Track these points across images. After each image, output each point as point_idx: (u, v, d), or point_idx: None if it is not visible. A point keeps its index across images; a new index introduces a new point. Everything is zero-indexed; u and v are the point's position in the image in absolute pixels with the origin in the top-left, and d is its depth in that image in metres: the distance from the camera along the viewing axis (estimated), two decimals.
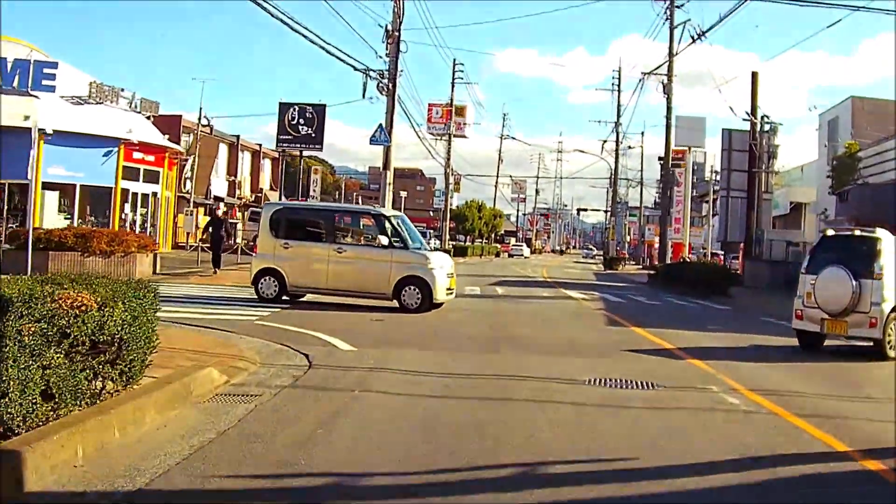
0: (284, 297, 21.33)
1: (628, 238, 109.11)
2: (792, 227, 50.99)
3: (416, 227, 77.16)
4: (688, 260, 53.35)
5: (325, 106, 51.33)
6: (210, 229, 33.37)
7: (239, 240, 45.92)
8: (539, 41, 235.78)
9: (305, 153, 52.93)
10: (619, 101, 78.29)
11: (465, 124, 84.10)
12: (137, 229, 43.75)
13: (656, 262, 67.71)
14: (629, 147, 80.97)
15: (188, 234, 50.81)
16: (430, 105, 77.25)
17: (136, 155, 43.01)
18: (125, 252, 26.77)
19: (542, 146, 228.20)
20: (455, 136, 79.72)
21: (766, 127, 41.76)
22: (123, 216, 42.89)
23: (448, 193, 72.61)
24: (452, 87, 73.54)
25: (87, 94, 41.31)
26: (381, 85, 34.27)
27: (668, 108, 48.00)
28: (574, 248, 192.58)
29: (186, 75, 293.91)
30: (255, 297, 21.14)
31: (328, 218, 22.35)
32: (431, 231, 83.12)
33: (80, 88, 41.08)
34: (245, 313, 18.31)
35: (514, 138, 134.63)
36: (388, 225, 21.21)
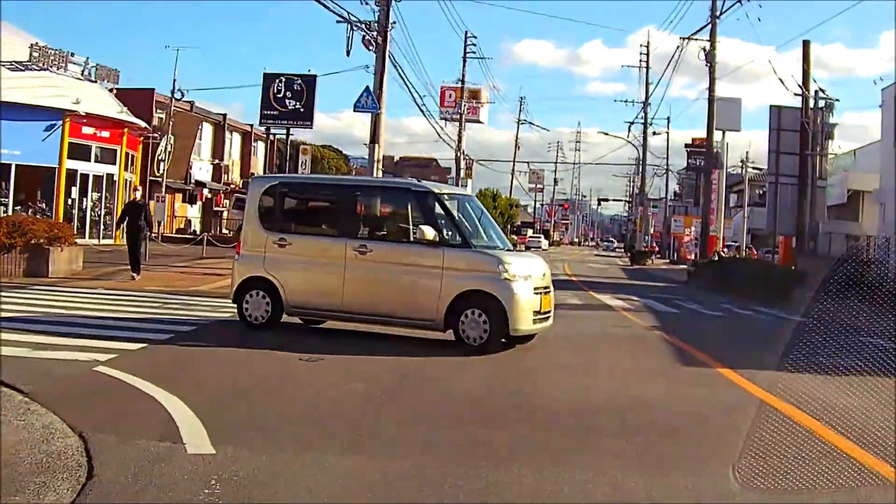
0: (301, 321, 15.42)
1: (651, 230, 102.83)
2: (849, 219, 44.07)
3: None
4: (723, 255, 48.05)
5: (315, 77, 45.70)
6: (127, 219, 23.54)
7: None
8: (554, 33, 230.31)
9: (316, 142, 47.01)
10: (647, 79, 70.85)
11: (479, 106, 78.40)
12: (88, 217, 37.99)
13: (689, 257, 61.91)
14: (654, 133, 73.74)
15: (159, 223, 45.78)
16: (442, 89, 71.55)
17: (86, 130, 37.22)
18: (26, 246, 21.60)
19: (560, 136, 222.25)
20: (468, 120, 73.87)
21: (821, 103, 35.49)
22: (70, 201, 36.75)
23: (459, 180, 65.45)
24: (464, 62, 66.65)
25: (27, 59, 35.78)
26: (367, 38, 27.71)
27: (711, 80, 41.29)
28: (592, 240, 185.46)
29: (159, 43, 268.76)
30: (227, 317, 15.20)
31: (346, 199, 15.16)
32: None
33: (20, 52, 35.39)
34: (117, 347, 11.87)
35: (531, 123, 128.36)
36: (437, 209, 14.20)
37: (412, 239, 14.10)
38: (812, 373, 4.85)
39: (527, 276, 13.63)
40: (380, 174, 29.57)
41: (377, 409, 9.19)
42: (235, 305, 14.84)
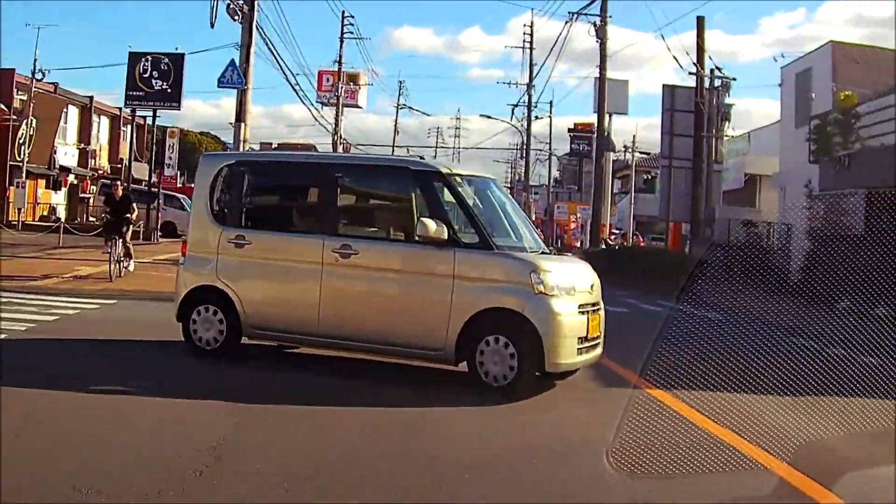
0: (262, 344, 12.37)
1: (533, 217, 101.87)
2: (746, 205, 42.73)
3: None
4: (610, 242, 46.91)
5: (183, 55, 43.08)
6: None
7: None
8: (435, 20, 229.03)
9: (196, 130, 44.50)
10: (531, 59, 67.73)
11: (358, 90, 76.08)
12: None
13: (575, 245, 60.45)
14: (536, 118, 71.87)
15: (19, 210, 43.60)
16: (320, 73, 69.46)
17: None
18: None
19: (440, 122, 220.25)
20: (347, 105, 71.45)
21: (717, 83, 34.67)
22: None
23: None
24: (341, 42, 63.54)
25: None
26: (233, 7, 25.18)
27: (602, 56, 39.31)
28: None
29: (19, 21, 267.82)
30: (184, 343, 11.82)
31: (325, 183, 11.82)
32: None
33: None
34: None
35: (411, 108, 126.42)
36: (446, 195, 11.03)
37: (413, 237, 10.85)
38: (682, 358, 4.84)
39: (570, 290, 10.22)
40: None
41: None
42: (180, 324, 11.70)
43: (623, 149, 64.78)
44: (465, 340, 10.15)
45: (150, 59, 42.05)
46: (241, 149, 25.94)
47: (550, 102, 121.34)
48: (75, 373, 10.14)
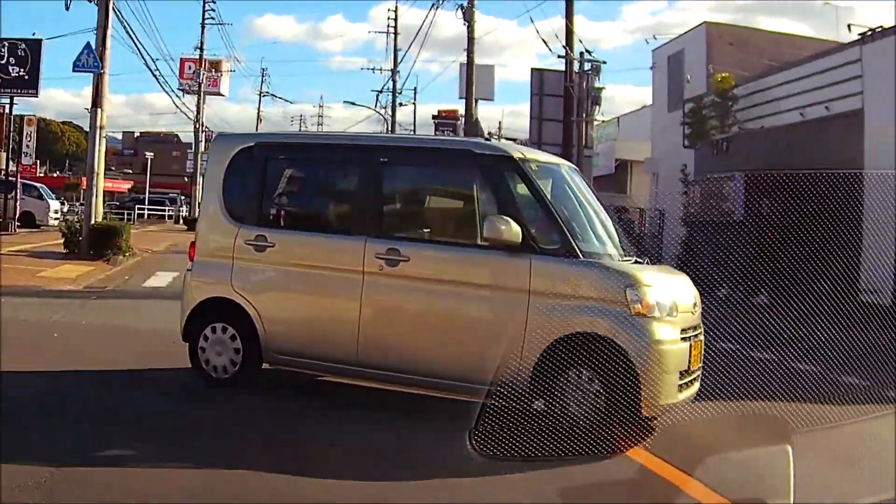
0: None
1: None
2: (617, 191, 42.26)
3: (168, 193, 63.76)
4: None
5: (40, 41, 40.56)
6: None
7: None
8: (296, 7, 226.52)
9: (59, 119, 41.89)
10: (395, 45, 66.83)
11: (220, 77, 74.08)
12: None
13: None
14: (400, 104, 70.64)
15: None
16: (182, 60, 66.95)
17: None
18: None
19: (303, 110, 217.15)
20: (209, 92, 69.49)
21: (587, 66, 33.08)
22: None
23: (198, 151, 60.76)
24: (203, 28, 61.99)
25: None
26: None
27: (470, 38, 38.05)
28: None
29: None
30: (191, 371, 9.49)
31: (366, 171, 9.44)
32: (183, 198, 71.75)
33: None
34: None
35: (274, 96, 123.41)
36: (520, 187, 8.70)
37: (477, 239, 8.65)
38: None
39: (672, 309, 8.03)
40: (103, 148, 25.89)
41: None
42: (188, 348, 9.53)
43: (489, 135, 64.17)
44: (541, 373, 7.84)
45: (6, 44, 39.65)
46: (97, 140, 24.57)
47: (414, 89, 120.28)
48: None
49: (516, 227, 8.14)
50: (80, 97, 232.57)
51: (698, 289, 8.62)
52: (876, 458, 5.14)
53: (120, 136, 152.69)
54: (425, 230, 9.38)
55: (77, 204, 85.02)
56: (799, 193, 12.85)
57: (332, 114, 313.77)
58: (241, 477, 6.21)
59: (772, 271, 13.21)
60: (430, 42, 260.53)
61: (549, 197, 8.71)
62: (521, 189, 8.64)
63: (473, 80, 38.92)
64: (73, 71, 25.15)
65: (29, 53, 39.29)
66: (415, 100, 74.38)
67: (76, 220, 28.04)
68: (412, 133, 48.00)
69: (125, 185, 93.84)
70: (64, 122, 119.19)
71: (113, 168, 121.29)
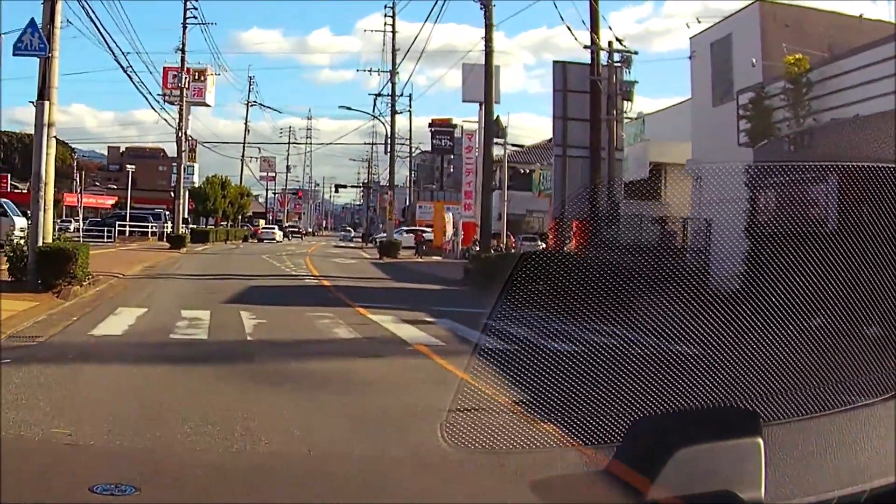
0: None
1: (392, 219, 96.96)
2: (649, 198, 37.18)
3: (152, 209, 58.90)
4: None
5: None
6: None
7: None
8: (282, 21, 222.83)
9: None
10: (394, 45, 59.48)
11: (204, 86, 69.81)
12: None
13: (447, 248, 54.86)
14: (398, 112, 65.34)
15: None
16: (165, 69, 61.59)
17: None
18: None
19: (292, 122, 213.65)
20: (194, 102, 64.89)
21: (616, 57, 28.89)
22: None
23: (181, 162, 55.28)
24: (184, 28, 56.16)
25: None
26: None
27: (488, 26, 33.29)
28: (327, 229, 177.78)
29: None
30: None
31: None
32: (167, 213, 65.39)
33: None
34: None
35: (262, 105, 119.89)
36: None
37: None
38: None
39: None
40: (50, 148, 19.90)
41: None
42: None
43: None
44: None
45: None
46: (44, 137, 19.19)
47: (410, 96, 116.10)
48: None
49: None
50: (66, 114, 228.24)
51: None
52: (850, 449, 4.75)
53: (105, 151, 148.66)
54: None
55: (58, 221, 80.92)
56: None
57: (319, 127, 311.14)
58: None
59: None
60: (415, 55, 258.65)
61: None
62: None
63: (493, 71, 34.13)
64: (14, 54, 19.77)
65: None
66: (410, 106, 69.74)
67: (20, 240, 22.35)
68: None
69: (109, 201, 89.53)
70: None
71: (98, 183, 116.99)
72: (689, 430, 4.38)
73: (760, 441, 3.89)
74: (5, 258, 20.63)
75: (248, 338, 14.47)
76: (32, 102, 19.79)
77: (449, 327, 16.37)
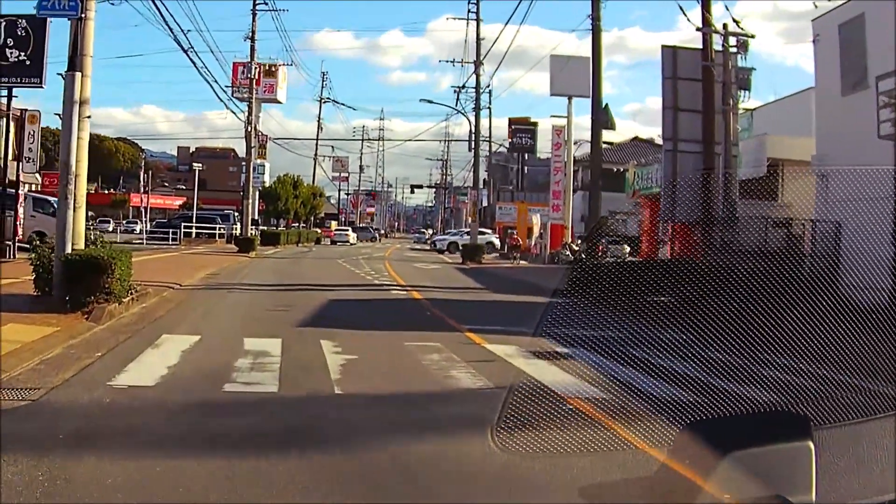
0: None
1: (466, 220, 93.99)
2: (765, 198, 33.28)
3: (221, 209, 55.31)
4: (575, 248, 38.24)
5: (46, 19, 31.92)
6: None
7: None
8: (354, 22, 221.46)
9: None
10: (478, 33, 55.13)
11: (275, 82, 67.27)
12: None
13: (534, 251, 51.47)
14: (483, 108, 61.44)
15: None
16: (235, 65, 58.72)
17: None
18: None
19: (364, 122, 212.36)
20: (265, 99, 62.09)
21: (732, 41, 25.76)
22: None
23: (250, 159, 51.98)
24: (254, 16, 52.63)
25: None
26: None
27: (595, 6, 29.74)
28: (399, 231, 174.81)
29: None
30: None
31: None
32: (236, 214, 61.96)
33: None
34: None
35: (335, 102, 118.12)
36: None
37: None
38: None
39: None
40: (77, 134, 16.05)
41: None
42: None
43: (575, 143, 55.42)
44: None
45: (2, 23, 31.46)
46: (74, 116, 15.64)
47: (490, 91, 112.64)
48: None
49: None
50: (137, 115, 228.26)
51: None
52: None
53: (175, 152, 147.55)
54: None
55: (123, 222, 78.56)
56: None
57: (392, 126, 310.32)
58: None
59: None
60: (492, 57, 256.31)
61: None
62: None
63: (601, 49, 30.40)
64: (39, 14, 16.66)
65: (31, 33, 30.98)
66: (490, 103, 66.17)
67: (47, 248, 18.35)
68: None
69: (177, 201, 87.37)
70: (118, 139, 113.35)
71: (166, 184, 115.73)
72: (741, 433, 4.26)
73: (811, 445, 3.85)
74: (32, 267, 17.12)
75: (337, 390, 10.13)
76: (61, 74, 16.29)
77: (592, 363, 12.63)
